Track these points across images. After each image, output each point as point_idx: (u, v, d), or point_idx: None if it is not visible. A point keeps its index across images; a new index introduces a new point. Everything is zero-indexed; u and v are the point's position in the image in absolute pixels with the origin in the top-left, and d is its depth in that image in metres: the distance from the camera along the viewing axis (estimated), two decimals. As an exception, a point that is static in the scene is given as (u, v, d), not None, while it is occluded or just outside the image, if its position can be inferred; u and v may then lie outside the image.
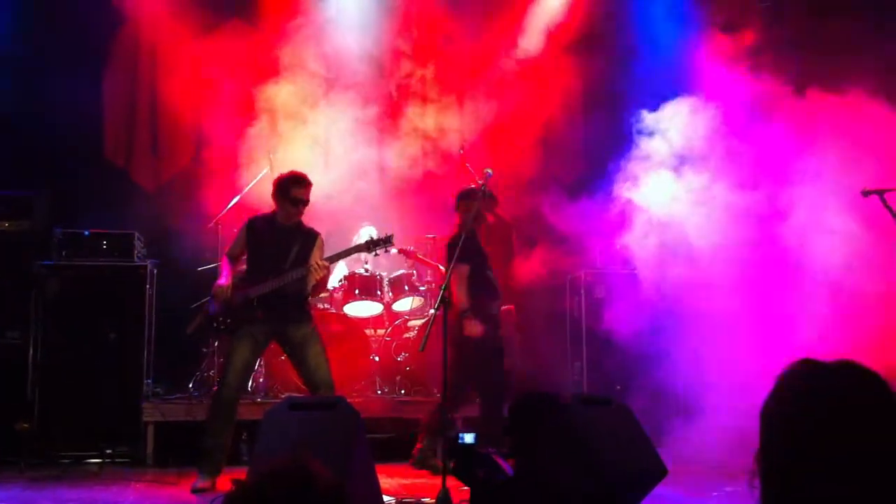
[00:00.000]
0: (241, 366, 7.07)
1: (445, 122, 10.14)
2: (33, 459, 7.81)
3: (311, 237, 7.28)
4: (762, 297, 7.87)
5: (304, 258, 7.11)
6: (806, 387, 1.84)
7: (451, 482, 6.11)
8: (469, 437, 3.96)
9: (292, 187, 7.15)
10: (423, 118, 10.11)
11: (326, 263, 7.08)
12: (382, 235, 7.39)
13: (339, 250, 7.43)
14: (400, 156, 10.11)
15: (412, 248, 9.43)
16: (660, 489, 5.95)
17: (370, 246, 7.34)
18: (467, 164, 9.30)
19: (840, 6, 8.60)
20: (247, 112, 9.59)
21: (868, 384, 1.82)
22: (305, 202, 7.21)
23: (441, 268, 9.14)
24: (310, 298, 7.46)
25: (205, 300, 7.61)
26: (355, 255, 9.46)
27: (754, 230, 8.02)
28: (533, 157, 9.60)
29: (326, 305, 9.21)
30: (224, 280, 7.14)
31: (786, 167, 7.96)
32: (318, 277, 7.05)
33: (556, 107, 9.84)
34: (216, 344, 8.42)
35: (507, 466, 3.82)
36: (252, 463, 6.15)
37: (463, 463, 3.93)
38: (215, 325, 7.17)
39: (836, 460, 1.73)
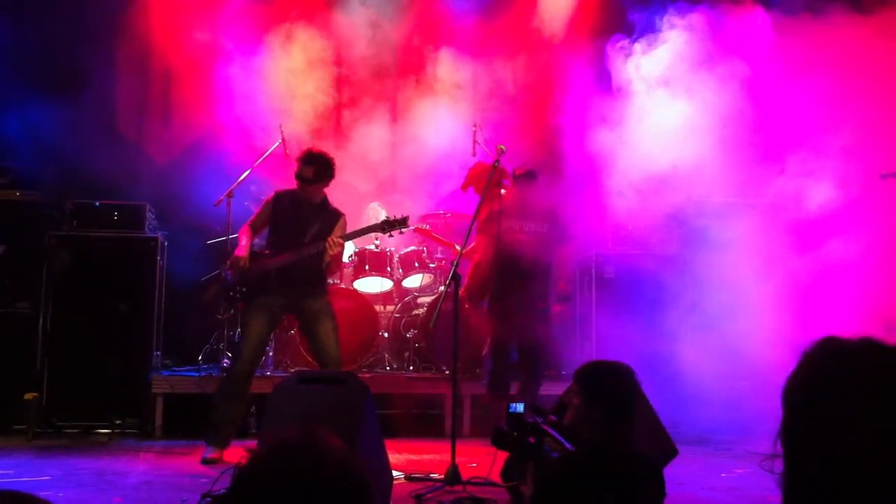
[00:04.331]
0: (256, 340, 7.10)
1: (458, 97, 10.08)
2: (42, 429, 7.85)
3: (333, 217, 7.31)
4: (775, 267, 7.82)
5: (323, 236, 7.12)
6: (830, 364, 1.80)
7: (460, 458, 6.12)
8: (519, 407, 3.99)
9: (297, 165, 7.20)
10: (436, 93, 10.04)
11: (341, 241, 7.10)
12: (393, 215, 7.39)
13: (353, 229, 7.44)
14: (411, 131, 10.06)
15: (427, 226, 9.38)
16: (669, 469, 5.95)
17: (385, 227, 7.35)
18: (479, 141, 9.23)
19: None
20: (259, 84, 9.54)
21: (891, 361, 1.79)
22: (307, 179, 7.14)
23: (456, 247, 9.09)
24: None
25: (220, 271, 7.62)
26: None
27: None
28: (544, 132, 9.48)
29: (336, 281, 9.18)
30: (241, 251, 7.16)
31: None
32: (331, 254, 7.06)
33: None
34: (230, 313, 8.39)
35: (555, 434, 3.84)
36: (261, 436, 6.15)
37: (512, 431, 3.97)
38: (231, 293, 7.20)
39: (860, 438, 1.70)
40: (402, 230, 7.50)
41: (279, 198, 7.39)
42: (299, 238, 7.15)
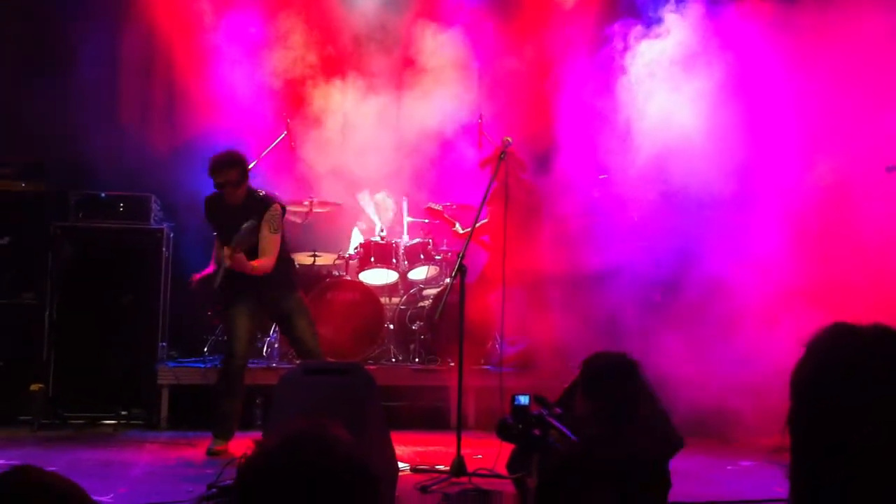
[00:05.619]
0: (245, 336, 7.08)
1: (462, 90, 10.04)
2: (48, 420, 7.86)
3: (259, 210, 6.95)
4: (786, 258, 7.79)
5: (252, 235, 6.86)
6: (840, 353, 1.78)
7: (465, 450, 6.11)
8: (524, 399, 3.98)
9: (211, 175, 6.97)
10: (439, 85, 10.00)
11: (229, 253, 6.75)
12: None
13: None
14: (417, 122, 10.03)
15: (440, 206, 9.34)
16: (674, 461, 5.93)
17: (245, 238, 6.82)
18: (485, 132, 9.21)
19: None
20: (264, 76, 9.53)
21: None
22: (232, 183, 6.93)
23: (459, 229, 9.06)
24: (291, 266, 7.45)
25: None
26: (370, 223, 9.50)
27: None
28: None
29: (342, 272, 9.18)
30: (208, 268, 7.16)
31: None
32: (227, 266, 6.76)
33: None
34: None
35: (560, 426, 3.83)
36: (267, 427, 6.15)
37: (517, 423, 3.96)
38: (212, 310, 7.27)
39: (871, 428, 1.68)
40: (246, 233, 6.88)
41: (208, 204, 7.20)
42: (229, 243, 6.83)
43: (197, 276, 7.16)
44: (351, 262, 9.28)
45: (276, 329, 8.60)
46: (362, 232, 9.52)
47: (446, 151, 9.84)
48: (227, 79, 9.42)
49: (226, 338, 7.37)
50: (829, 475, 1.73)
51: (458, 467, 6.00)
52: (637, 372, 3.97)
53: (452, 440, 6.17)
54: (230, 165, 6.92)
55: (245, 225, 6.70)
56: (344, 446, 1.73)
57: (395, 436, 5.83)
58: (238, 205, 6.99)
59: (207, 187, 8.71)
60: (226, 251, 6.78)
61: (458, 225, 9.15)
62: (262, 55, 9.61)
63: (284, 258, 7.22)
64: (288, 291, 7.23)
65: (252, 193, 7.09)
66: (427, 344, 8.97)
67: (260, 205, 7.01)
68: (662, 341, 7.83)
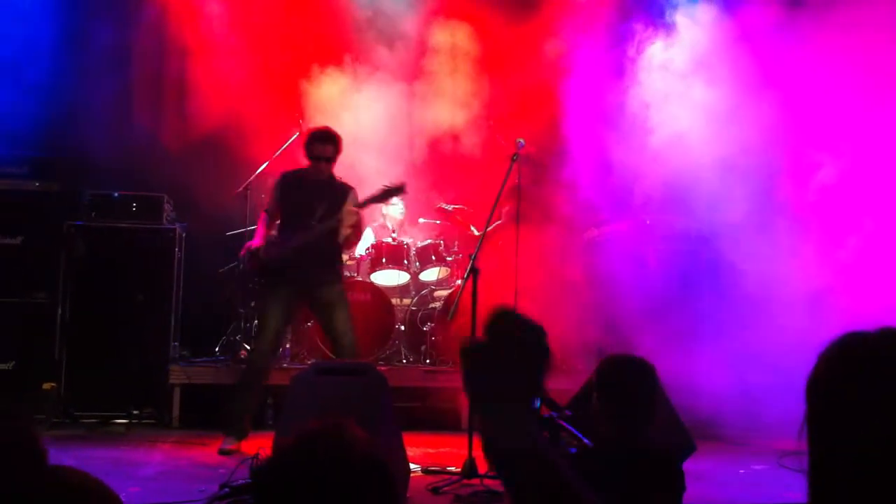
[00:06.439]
0: (273, 331, 7.11)
1: (475, 92, 10.03)
2: (59, 419, 7.88)
3: (343, 192, 7.24)
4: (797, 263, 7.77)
5: (333, 213, 7.08)
6: (850, 357, 1.78)
7: (477, 452, 6.10)
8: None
9: (314, 144, 7.16)
10: (454, 88, 9.99)
11: (356, 209, 7.09)
12: (391, 183, 7.30)
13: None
14: (428, 126, 10.03)
15: (451, 207, 9.34)
16: (687, 465, 5.91)
17: (385, 195, 7.29)
18: (496, 133, 9.22)
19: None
20: (277, 76, 9.53)
21: None
22: (327, 159, 7.16)
23: (474, 231, 9.06)
24: (343, 255, 7.54)
25: (234, 265, 7.62)
26: (381, 224, 9.51)
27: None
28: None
29: (353, 273, 9.19)
30: (255, 241, 7.18)
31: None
32: (351, 223, 7.04)
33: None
34: (251, 305, 8.43)
35: (571, 428, 3.83)
36: (279, 427, 6.16)
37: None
38: (250, 285, 7.23)
39: (889, 426, 1.67)
40: (401, 196, 7.63)
41: (286, 178, 7.37)
42: (307, 220, 7.08)
43: (254, 243, 7.20)
44: (362, 263, 9.29)
45: (289, 329, 8.61)
46: (374, 231, 9.53)
47: (457, 150, 9.84)
48: (240, 78, 9.43)
49: (257, 329, 7.48)
50: (849, 476, 1.72)
51: (470, 469, 5.99)
52: (652, 375, 3.97)
53: (464, 441, 6.17)
54: (328, 140, 7.16)
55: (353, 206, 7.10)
56: (362, 445, 1.73)
57: (406, 437, 5.84)
58: (320, 183, 7.18)
59: (221, 187, 8.79)
60: (350, 208, 7.06)
61: (472, 227, 9.14)
62: (274, 54, 9.61)
63: (339, 247, 7.32)
64: (336, 279, 7.34)
65: (333, 176, 7.33)
66: (438, 345, 8.96)
67: (343, 187, 7.28)
68: (674, 345, 7.81)
